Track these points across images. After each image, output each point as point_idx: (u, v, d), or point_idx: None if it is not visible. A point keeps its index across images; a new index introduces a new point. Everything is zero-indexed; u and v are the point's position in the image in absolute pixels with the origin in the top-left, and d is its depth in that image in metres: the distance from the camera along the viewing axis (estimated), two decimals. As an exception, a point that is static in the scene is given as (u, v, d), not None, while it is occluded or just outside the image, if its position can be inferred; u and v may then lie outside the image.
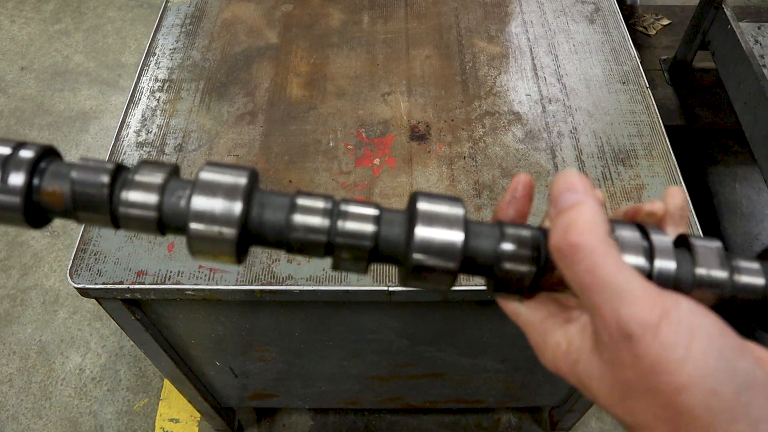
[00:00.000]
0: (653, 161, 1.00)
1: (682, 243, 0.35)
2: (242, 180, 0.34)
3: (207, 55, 1.19)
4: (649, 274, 0.33)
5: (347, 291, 0.87)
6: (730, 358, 0.27)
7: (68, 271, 0.88)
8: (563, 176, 0.32)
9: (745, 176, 2.19)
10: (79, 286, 0.87)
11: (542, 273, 0.34)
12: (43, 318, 1.92)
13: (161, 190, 0.34)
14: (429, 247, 0.33)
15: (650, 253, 0.33)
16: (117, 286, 0.87)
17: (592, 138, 1.04)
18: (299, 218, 0.35)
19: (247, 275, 0.88)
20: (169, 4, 1.30)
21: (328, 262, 0.89)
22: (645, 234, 0.34)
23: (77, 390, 1.77)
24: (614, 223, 0.35)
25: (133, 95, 1.12)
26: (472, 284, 0.87)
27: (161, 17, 1.27)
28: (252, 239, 0.35)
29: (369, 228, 0.35)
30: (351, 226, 0.35)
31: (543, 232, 0.35)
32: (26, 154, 0.34)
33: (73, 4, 3.02)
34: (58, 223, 2.14)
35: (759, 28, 1.79)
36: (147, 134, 1.05)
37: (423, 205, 0.34)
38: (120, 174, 0.35)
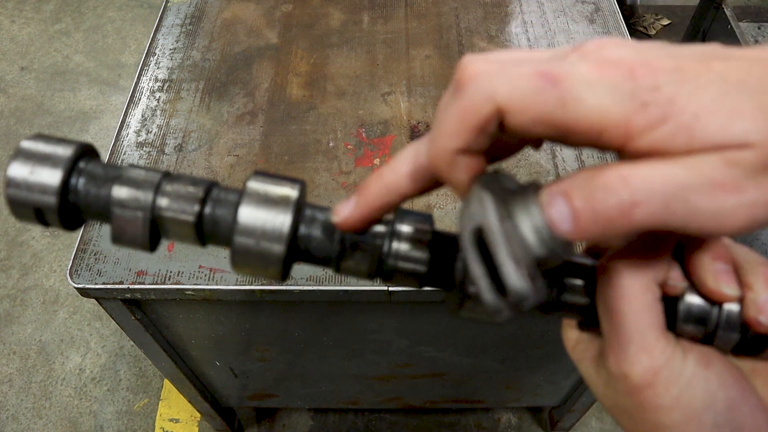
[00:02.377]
0: (653, 161, 1.00)
1: None
2: (294, 192, 0.32)
3: (207, 55, 1.19)
4: (717, 318, 0.31)
5: (347, 291, 0.87)
6: (719, 410, 0.28)
7: (68, 271, 0.88)
8: None
9: (745, 176, 2.19)
10: (79, 286, 0.87)
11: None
12: (43, 318, 1.92)
13: (203, 199, 0.32)
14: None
15: (716, 324, 0.31)
16: (117, 286, 0.87)
17: (592, 138, 1.04)
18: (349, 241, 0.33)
19: (247, 275, 0.88)
20: (169, 4, 1.30)
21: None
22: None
23: (77, 390, 1.77)
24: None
25: (133, 95, 1.12)
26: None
27: (161, 17, 1.27)
28: (299, 255, 0.34)
29: (423, 254, 0.33)
30: (405, 248, 0.33)
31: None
32: (65, 152, 0.32)
33: (73, 4, 3.02)
34: (58, 223, 2.14)
35: (759, 28, 1.79)
36: (147, 134, 1.06)
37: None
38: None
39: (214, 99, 1.11)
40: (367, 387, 1.34)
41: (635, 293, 0.29)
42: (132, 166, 0.33)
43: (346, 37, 1.22)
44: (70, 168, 0.32)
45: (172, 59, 1.18)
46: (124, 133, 1.06)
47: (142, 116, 1.08)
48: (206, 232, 0.33)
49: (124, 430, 1.70)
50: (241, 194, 0.32)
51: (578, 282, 0.33)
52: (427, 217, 0.34)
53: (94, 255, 0.90)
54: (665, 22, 2.45)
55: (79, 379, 1.79)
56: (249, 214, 0.31)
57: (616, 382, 0.30)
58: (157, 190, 0.32)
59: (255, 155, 1.02)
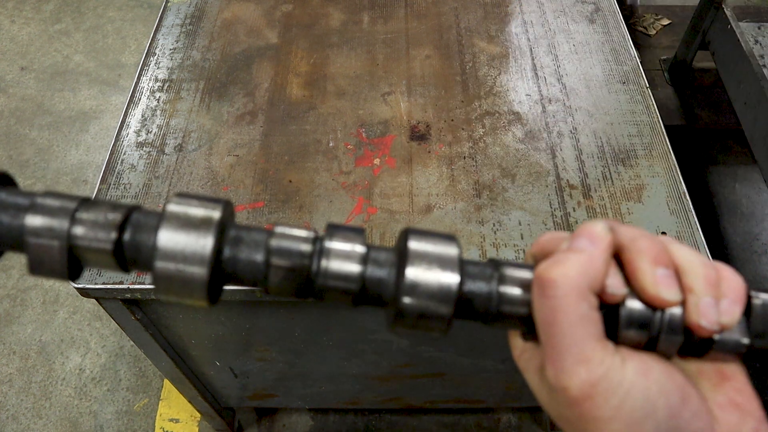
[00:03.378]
0: (653, 161, 1.00)
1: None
2: (215, 213, 0.31)
3: (207, 55, 1.19)
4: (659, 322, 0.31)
5: (347, 291, 0.87)
6: (661, 417, 0.28)
7: (68, 271, 0.88)
8: (592, 224, 0.32)
9: (745, 176, 2.19)
10: (79, 286, 0.87)
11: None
12: (43, 318, 1.92)
13: (120, 225, 0.31)
14: (420, 290, 0.31)
15: (659, 328, 0.31)
16: (117, 286, 0.87)
17: (592, 138, 1.04)
18: (277, 260, 0.31)
19: (247, 275, 0.88)
20: (169, 4, 1.30)
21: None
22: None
23: (77, 390, 1.77)
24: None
25: (133, 95, 1.12)
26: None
27: (161, 17, 1.27)
28: (225, 278, 0.32)
29: (355, 268, 0.32)
30: (335, 265, 0.32)
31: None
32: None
33: (73, 4, 3.02)
34: (58, 223, 2.14)
35: (759, 28, 1.79)
36: (147, 134, 1.06)
37: (414, 244, 0.32)
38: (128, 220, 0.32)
39: (214, 99, 1.11)
40: (367, 387, 1.34)
41: (569, 303, 0.29)
42: (48, 193, 0.32)
43: (346, 37, 1.22)
44: None
45: (172, 59, 1.18)
46: (124, 133, 1.06)
47: (142, 116, 1.08)
48: (128, 258, 0.32)
49: (124, 430, 1.70)
50: (161, 218, 0.31)
51: (517, 292, 0.32)
52: (358, 232, 0.33)
53: (94, 255, 0.90)
54: (665, 22, 2.45)
55: (79, 379, 1.79)
56: (169, 238, 0.30)
57: (556, 393, 0.30)
58: (73, 217, 0.31)
59: (255, 155, 1.02)
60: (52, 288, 1.99)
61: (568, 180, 0.98)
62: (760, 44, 1.75)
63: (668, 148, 1.02)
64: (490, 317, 0.32)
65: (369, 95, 1.11)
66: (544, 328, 0.30)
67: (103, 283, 0.87)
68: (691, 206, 0.93)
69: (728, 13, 1.77)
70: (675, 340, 0.30)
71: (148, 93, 1.12)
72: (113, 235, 0.31)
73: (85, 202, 0.32)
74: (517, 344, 0.36)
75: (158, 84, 1.14)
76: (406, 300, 0.31)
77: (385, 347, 1.13)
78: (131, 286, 0.87)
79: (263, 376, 1.28)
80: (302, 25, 1.25)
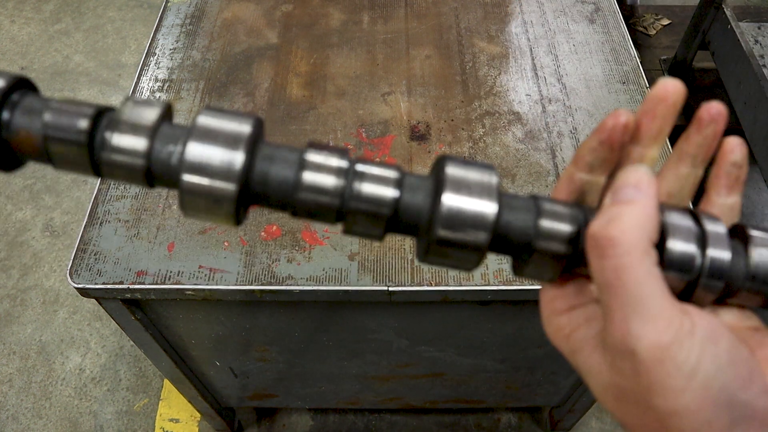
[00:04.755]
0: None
1: (736, 233, 0.32)
2: (246, 128, 0.29)
3: (207, 55, 1.19)
4: (700, 266, 0.30)
5: (347, 291, 0.87)
6: (733, 390, 0.26)
7: (68, 271, 0.88)
8: (633, 170, 0.30)
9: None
10: (79, 286, 0.87)
11: (577, 259, 0.31)
12: (43, 318, 1.92)
13: (152, 133, 0.30)
14: (456, 219, 0.29)
15: (702, 242, 0.30)
16: (117, 286, 0.87)
17: (592, 138, 1.04)
18: (309, 176, 0.30)
19: (247, 275, 0.88)
20: (169, 4, 1.30)
21: (330, 258, 0.89)
22: (697, 221, 0.31)
23: (77, 390, 1.77)
24: (665, 208, 0.32)
25: (133, 95, 1.12)
26: (472, 284, 0.87)
27: (161, 17, 1.27)
28: (253, 198, 0.31)
29: (389, 193, 0.31)
30: (368, 189, 0.30)
31: (584, 214, 0.31)
32: None
33: (73, 4, 3.02)
34: (58, 222, 2.14)
35: (759, 28, 1.79)
36: (147, 134, 1.05)
37: (452, 170, 0.30)
38: (103, 115, 0.31)
39: (214, 99, 1.11)
40: (367, 387, 1.34)
41: (633, 261, 0.27)
42: (68, 101, 0.31)
43: (346, 37, 1.22)
44: (1, 102, 0.29)
45: (172, 59, 1.18)
46: (124, 133, 1.06)
47: (142, 116, 1.08)
48: (155, 173, 0.30)
49: (124, 430, 1.70)
50: (190, 130, 0.30)
51: (558, 226, 0.31)
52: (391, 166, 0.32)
53: (94, 255, 0.90)
54: (665, 22, 2.45)
55: (79, 379, 1.79)
56: (198, 151, 0.29)
57: (622, 362, 0.27)
58: (102, 122, 0.30)
59: (255, 155, 1.02)
60: (52, 288, 1.99)
61: (568, 180, 0.98)
62: (760, 44, 1.75)
63: (668, 148, 1.02)
64: (526, 252, 0.31)
65: (369, 95, 1.11)
66: (607, 290, 0.27)
67: (103, 283, 0.87)
68: (692, 206, 0.93)
69: (728, 13, 1.77)
70: (715, 285, 0.29)
71: (148, 93, 1.12)
72: (145, 144, 0.30)
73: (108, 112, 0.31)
74: (564, 323, 0.33)
75: (158, 84, 1.14)
76: (442, 228, 0.29)
77: (385, 347, 1.13)
78: (131, 286, 0.87)
79: (263, 376, 1.28)
80: (302, 25, 1.25)
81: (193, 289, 0.87)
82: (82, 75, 2.68)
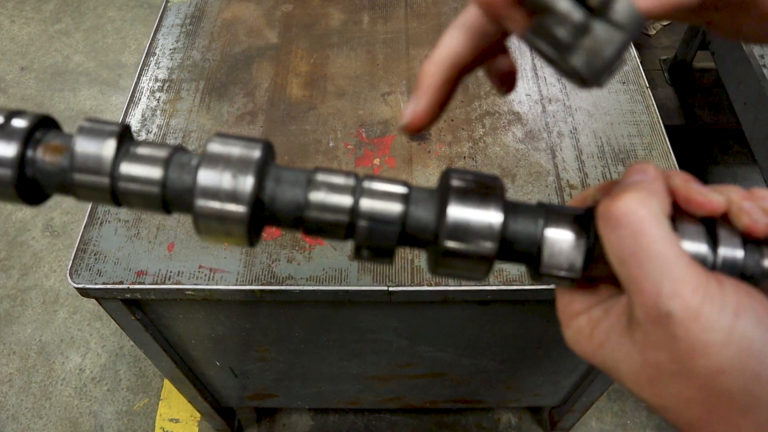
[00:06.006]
0: (653, 161, 1.00)
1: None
2: (256, 152, 0.31)
3: (207, 55, 1.19)
4: (713, 263, 0.30)
5: (347, 291, 0.87)
6: None
7: (68, 271, 0.88)
8: (637, 163, 0.31)
9: (745, 176, 2.19)
10: (79, 286, 0.87)
11: (590, 262, 0.31)
12: (43, 318, 1.92)
13: (166, 163, 0.32)
14: (462, 230, 0.30)
15: (714, 241, 0.30)
16: (117, 286, 0.87)
17: (592, 138, 1.04)
18: (318, 195, 0.31)
19: (247, 275, 0.88)
20: (169, 4, 1.30)
21: (330, 258, 0.89)
22: (710, 224, 0.31)
23: (77, 390, 1.77)
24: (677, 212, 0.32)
25: (133, 95, 1.12)
26: (472, 284, 0.87)
27: (161, 17, 1.27)
28: (266, 219, 0.32)
29: (396, 208, 0.31)
30: (377, 205, 0.32)
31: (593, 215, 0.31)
32: (20, 123, 0.31)
33: (73, 4, 3.02)
34: (58, 222, 2.14)
35: (759, 28, 1.79)
36: (147, 134, 1.06)
37: (456, 182, 0.31)
38: (122, 146, 0.32)
39: (214, 99, 1.11)
40: (367, 387, 1.34)
41: (649, 225, 0.27)
42: (88, 126, 0.32)
43: (346, 37, 1.22)
44: (26, 140, 0.31)
45: (172, 59, 1.18)
46: (124, 133, 1.06)
47: (142, 116, 1.08)
48: (169, 199, 0.32)
49: (124, 430, 1.70)
50: (201, 157, 0.31)
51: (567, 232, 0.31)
52: (401, 183, 0.33)
53: (94, 255, 0.90)
54: (665, 22, 2.45)
55: (79, 379, 1.79)
56: (209, 177, 0.30)
57: (656, 332, 0.26)
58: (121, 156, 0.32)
59: (255, 155, 1.02)
60: (52, 288, 1.99)
61: (568, 180, 0.98)
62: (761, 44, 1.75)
63: (668, 148, 1.02)
64: (537, 259, 0.32)
65: (369, 95, 1.11)
66: (629, 261, 0.27)
67: (103, 283, 0.87)
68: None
69: (728, 13, 1.76)
70: (736, 254, 0.30)
71: (148, 93, 1.12)
72: (160, 173, 0.32)
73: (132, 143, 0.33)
74: (584, 323, 0.32)
75: (158, 84, 1.14)
76: (448, 239, 0.30)
77: (385, 347, 1.13)
78: (131, 286, 0.87)
79: (263, 376, 1.28)
80: (302, 25, 1.25)
81: (193, 289, 0.87)
82: (82, 75, 2.68)
